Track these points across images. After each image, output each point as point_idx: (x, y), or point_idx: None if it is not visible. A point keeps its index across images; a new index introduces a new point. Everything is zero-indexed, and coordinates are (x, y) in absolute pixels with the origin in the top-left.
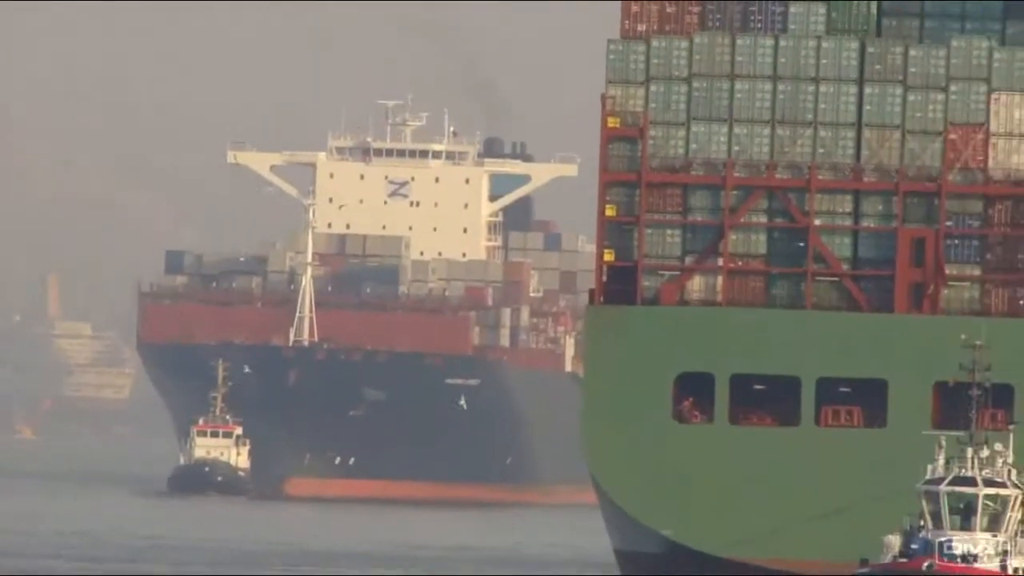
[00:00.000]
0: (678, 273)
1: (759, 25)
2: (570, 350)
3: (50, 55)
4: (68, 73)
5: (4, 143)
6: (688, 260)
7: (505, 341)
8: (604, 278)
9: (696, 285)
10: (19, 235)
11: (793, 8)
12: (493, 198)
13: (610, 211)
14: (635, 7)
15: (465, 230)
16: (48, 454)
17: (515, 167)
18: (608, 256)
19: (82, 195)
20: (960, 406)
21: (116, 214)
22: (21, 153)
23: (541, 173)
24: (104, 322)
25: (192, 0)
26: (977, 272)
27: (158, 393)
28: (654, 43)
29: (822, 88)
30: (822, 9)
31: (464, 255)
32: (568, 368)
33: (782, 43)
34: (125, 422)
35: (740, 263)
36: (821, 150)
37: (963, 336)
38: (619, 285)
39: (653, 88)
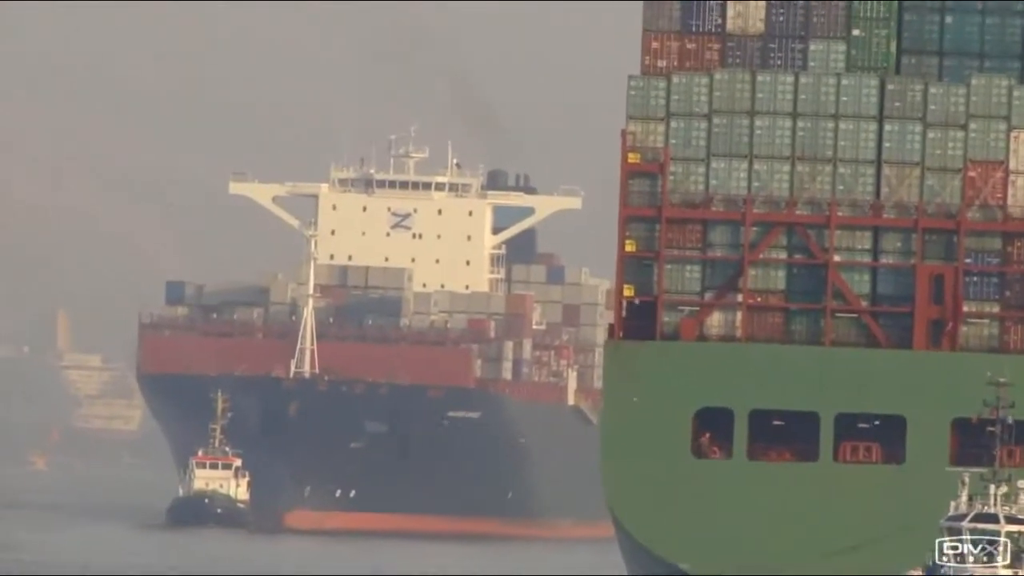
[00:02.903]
0: (697, 308)
1: (779, 62)
2: (573, 383)
3: (46, 81)
4: (67, 99)
5: (3, 176)
6: (707, 295)
7: (507, 374)
8: (623, 313)
9: (715, 320)
10: (26, 267)
11: (813, 46)
12: (496, 230)
13: (630, 246)
14: (655, 43)
15: (468, 262)
16: (56, 485)
17: (518, 199)
18: (628, 291)
19: (84, 225)
20: (978, 443)
21: (119, 244)
22: (20, 185)
23: (544, 206)
24: (113, 353)
25: (193, 31)
26: (996, 309)
27: (158, 424)
28: (675, 79)
29: (842, 125)
30: (842, 47)
31: (467, 287)
32: (571, 401)
33: (802, 80)
34: (134, 453)
35: (759, 299)
36: (841, 187)
37: (988, 373)
38: (638, 320)
39: (673, 124)
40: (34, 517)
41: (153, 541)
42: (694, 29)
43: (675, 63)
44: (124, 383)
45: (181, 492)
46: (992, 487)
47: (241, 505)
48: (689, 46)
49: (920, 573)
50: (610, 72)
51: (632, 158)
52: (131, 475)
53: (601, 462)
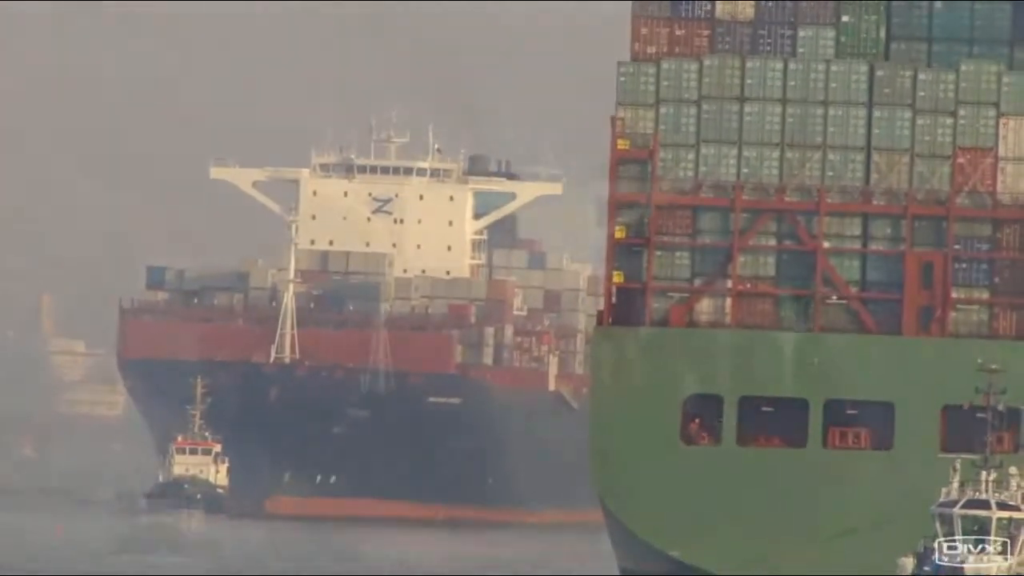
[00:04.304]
0: (687, 295)
1: (769, 48)
2: (554, 369)
3: (25, 68)
4: (45, 87)
5: None
6: (697, 282)
7: (488, 359)
8: (613, 299)
9: (705, 307)
10: (9, 251)
11: (802, 32)
12: (477, 216)
13: (619, 233)
14: (645, 29)
15: (449, 248)
16: (40, 471)
17: (500, 185)
18: (617, 278)
19: (66, 209)
20: (967, 429)
21: (100, 228)
22: (1, 170)
23: (526, 191)
24: (96, 339)
25: (171, 16)
26: (985, 295)
27: (138, 409)
28: (664, 65)
29: (831, 111)
30: (831, 33)
31: (448, 273)
32: (552, 387)
33: (792, 66)
34: (118, 438)
35: (749, 285)
36: (830, 173)
37: (980, 360)
38: (628, 306)
39: (663, 110)
40: (16, 503)
41: (132, 526)
42: (683, 15)
43: (664, 49)
44: (107, 368)
45: (161, 477)
46: (984, 473)
47: (221, 490)
48: (678, 32)
49: (911, 559)
50: (599, 58)
51: (622, 144)
52: (113, 460)
53: (590, 449)
